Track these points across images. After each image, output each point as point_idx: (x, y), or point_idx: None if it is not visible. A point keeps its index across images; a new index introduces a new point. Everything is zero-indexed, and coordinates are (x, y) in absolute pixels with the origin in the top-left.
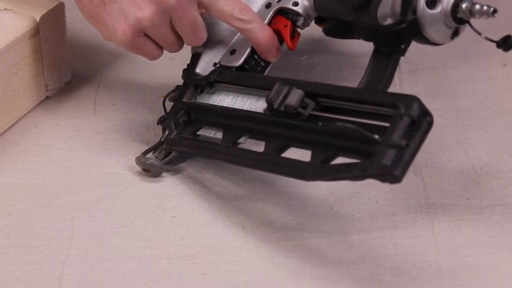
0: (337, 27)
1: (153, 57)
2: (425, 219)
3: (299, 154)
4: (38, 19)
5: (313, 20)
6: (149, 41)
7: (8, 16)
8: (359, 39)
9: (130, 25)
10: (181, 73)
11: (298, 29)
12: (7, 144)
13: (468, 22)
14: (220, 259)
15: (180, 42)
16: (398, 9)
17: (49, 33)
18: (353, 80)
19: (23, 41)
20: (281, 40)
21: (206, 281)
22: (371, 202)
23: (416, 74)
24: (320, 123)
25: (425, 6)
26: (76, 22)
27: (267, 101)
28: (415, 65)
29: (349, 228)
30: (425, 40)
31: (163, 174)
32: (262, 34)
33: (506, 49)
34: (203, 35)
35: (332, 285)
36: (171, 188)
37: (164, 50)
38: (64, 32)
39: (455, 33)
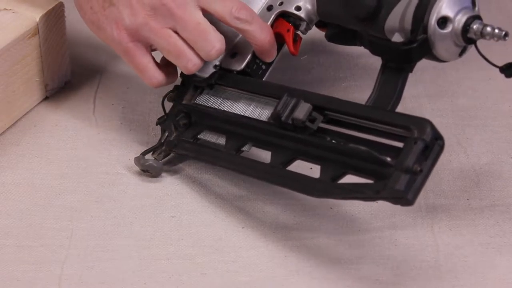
0: (341, 34)
1: (149, 77)
2: (425, 219)
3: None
4: (37, 19)
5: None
6: (147, 54)
7: (8, 16)
8: (361, 46)
9: (125, 27)
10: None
11: (300, 33)
12: (7, 144)
13: (475, 44)
14: (219, 259)
15: (192, 53)
16: (408, 25)
17: (48, 33)
18: (353, 80)
19: (23, 41)
20: (282, 43)
21: (206, 281)
22: (371, 202)
23: (416, 74)
24: (328, 138)
25: (436, 26)
26: (76, 22)
27: (275, 113)
28: (415, 65)
29: (348, 228)
30: (433, 57)
31: (163, 174)
32: (262, 35)
33: (508, 75)
34: (216, 41)
35: (332, 285)
36: (170, 188)
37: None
38: (64, 32)
39: (463, 51)
